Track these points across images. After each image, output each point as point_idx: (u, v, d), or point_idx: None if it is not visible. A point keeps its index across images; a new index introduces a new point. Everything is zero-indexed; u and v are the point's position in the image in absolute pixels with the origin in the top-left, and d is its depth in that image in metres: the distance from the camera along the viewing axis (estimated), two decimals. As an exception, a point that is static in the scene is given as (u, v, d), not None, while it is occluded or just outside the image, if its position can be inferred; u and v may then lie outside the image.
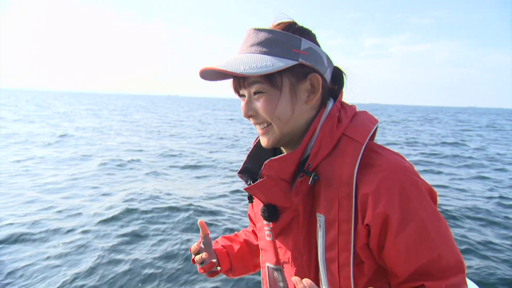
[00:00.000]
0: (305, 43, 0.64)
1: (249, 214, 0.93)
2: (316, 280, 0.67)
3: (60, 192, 5.07)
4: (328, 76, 0.69)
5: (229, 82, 0.71)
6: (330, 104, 0.68)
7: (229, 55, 0.66)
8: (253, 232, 0.96)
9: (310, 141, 0.65)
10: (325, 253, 0.64)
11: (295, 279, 0.56)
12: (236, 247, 0.93)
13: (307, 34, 0.66)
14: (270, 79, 0.63)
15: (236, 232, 1.00)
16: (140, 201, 4.68)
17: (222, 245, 0.92)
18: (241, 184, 4.69)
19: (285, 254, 0.72)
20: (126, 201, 4.63)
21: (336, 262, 0.63)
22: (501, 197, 5.30)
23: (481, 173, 7.41)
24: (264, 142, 0.70)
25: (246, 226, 1.05)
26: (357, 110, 0.71)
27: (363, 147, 0.62)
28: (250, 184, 0.69)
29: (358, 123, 0.67)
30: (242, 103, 0.68)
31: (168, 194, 5.11)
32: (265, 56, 0.62)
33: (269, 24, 0.68)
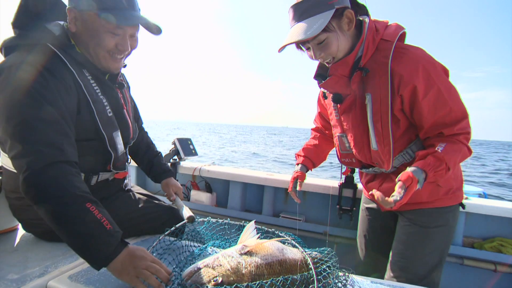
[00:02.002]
0: None
1: (319, 113, 1.33)
2: (367, 137, 1.01)
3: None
4: (349, 3, 0.91)
5: None
6: (367, 21, 0.93)
7: (293, 30, 0.89)
8: (318, 129, 1.38)
9: (359, 48, 0.92)
10: (372, 116, 0.96)
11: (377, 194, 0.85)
12: (314, 158, 1.34)
13: None
14: (325, 29, 0.88)
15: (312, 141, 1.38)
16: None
17: (307, 158, 1.34)
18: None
19: (347, 125, 1.07)
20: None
21: (379, 122, 0.95)
22: None
23: None
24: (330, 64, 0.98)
25: None
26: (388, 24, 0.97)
27: (394, 44, 0.90)
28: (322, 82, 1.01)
29: (390, 30, 0.94)
30: (308, 52, 0.97)
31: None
32: (315, 17, 0.86)
33: None
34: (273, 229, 1.03)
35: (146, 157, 1.28)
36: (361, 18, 0.95)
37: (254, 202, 1.95)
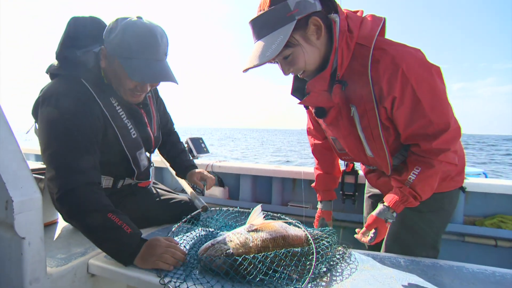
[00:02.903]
0: (291, 3, 0.75)
1: (312, 120, 1.25)
2: (361, 144, 0.96)
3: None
4: (318, 5, 0.79)
5: None
6: (337, 21, 0.80)
7: (253, 49, 0.80)
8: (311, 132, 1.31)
9: (334, 58, 0.82)
10: (362, 130, 0.91)
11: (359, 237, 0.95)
12: (332, 186, 1.35)
13: None
14: (288, 45, 0.79)
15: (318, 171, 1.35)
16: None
17: (325, 191, 1.35)
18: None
19: (338, 134, 1.03)
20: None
21: (370, 135, 0.91)
22: None
23: None
24: (305, 78, 0.90)
25: None
26: (363, 15, 0.87)
27: (371, 49, 0.79)
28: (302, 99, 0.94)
29: (366, 29, 0.82)
30: (279, 66, 0.87)
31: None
32: (273, 34, 0.77)
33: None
34: (278, 214, 1.14)
35: (170, 155, 1.43)
36: (330, 17, 0.81)
37: (263, 193, 2.07)
